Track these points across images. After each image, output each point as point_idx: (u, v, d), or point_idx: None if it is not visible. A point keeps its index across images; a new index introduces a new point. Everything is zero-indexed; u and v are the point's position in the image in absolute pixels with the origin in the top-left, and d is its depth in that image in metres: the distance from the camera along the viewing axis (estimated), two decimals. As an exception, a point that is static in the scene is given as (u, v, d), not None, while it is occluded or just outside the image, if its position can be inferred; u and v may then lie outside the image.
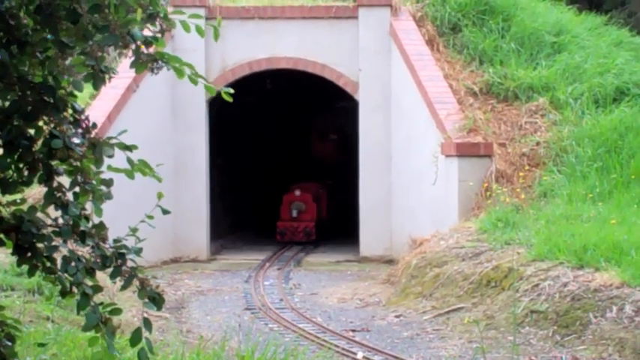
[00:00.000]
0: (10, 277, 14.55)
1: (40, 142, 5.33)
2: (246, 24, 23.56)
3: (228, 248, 25.52)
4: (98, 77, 5.28)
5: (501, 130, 20.63)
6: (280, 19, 23.70)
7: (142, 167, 5.48)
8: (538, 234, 16.44)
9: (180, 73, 5.34)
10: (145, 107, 22.26)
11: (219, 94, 5.53)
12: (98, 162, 5.38)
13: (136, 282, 5.39)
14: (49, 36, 5.29)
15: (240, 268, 22.25)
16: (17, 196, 5.50)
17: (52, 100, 5.29)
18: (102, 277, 5.52)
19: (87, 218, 5.38)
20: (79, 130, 5.37)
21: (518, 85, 21.50)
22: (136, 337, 5.39)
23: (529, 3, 24.32)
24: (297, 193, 26.74)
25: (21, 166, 5.35)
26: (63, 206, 5.31)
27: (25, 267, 5.42)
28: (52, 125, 5.30)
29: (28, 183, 5.40)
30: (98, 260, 5.36)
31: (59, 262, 5.36)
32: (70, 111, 5.39)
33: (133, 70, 5.33)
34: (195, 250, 23.39)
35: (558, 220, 17.10)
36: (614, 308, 13.84)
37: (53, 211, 5.40)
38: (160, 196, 5.65)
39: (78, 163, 5.32)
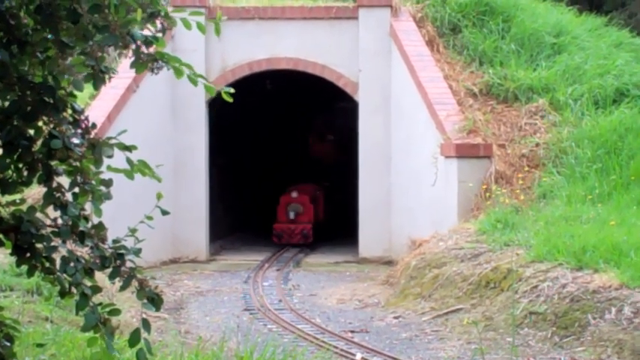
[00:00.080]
0: (9, 277, 14.55)
1: (39, 143, 5.33)
2: (246, 24, 23.56)
3: (227, 249, 25.51)
4: (98, 77, 5.27)
5: (501, 131, 20.63)
6: (280, 19, 23.70)
7: (142, 167, 5.48)
8: (537, 235, 16.44)
9: (179, 73, 5.33)
10: (145, 107, 22.26)
11: (219, 94, 5.52)
12: (98, 162, 5.37)
13: (134, 282, 5.39)
14: (49, 36, 5.29)
15: (239, 268, 22.24)
16: (16, 197, 5.50)
17: (51, 101, 5.29)
18: (101, 277, 5.52)
19: (86, 218, 5.38)
20: (79, 131, 5.37)
21: (518, 86, 21.50)
22: (134, 338, 5.39)
23: (529, 4, 24.33)
24: (294, 194, 26.58)
25: (20, 166, 5.35)
26: (62, 206, 5.31)
27: (24, 267, 5.41)
28: (52, 125, 5.30)
29: (27, 183, 5.40)
30: (97, 261, 5.36)
31: (58, 262, 5.36)
32: (70, 111, 5.39)
33: (133, 70, 5.33)
34: (195, 250, 23.39)
35: (557, 221, 17.10)
36: (613, 310, 13.84)
37: (52, 212, 5.39)
38: (159, 196, 5.65)
39: (77, 164, 5.31)
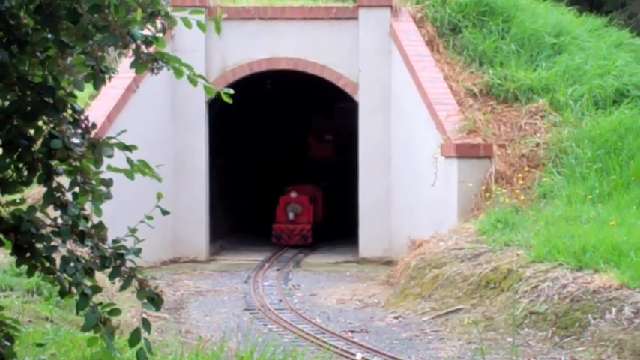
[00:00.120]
0: (9, 277, 14.55)
1: (39, 142, 5.33)
2: (246, 24, 23.56)
3: (227, 249, 25.50)
4: (98, 77, 5.28)
5: (501, 131, 20.64)
6: (280, 19, 23.70)
7: (142, 167, 5.48)
8: (537, 235, 16.44)
9: (179, 73, 5.34)
10: (145, 107, 22.26)
11: (219, 94, 5.52)
12: (98, 162, 5.37)
13: (135, 282, 5.39)
14: (49, 36, 5.29)
15: (239, 268, 22.24)
16: (16, 196, 5.50)
17: (51, 101, 5.29)
18: (101, 277, 5.52)
19: (86, 218, 5.38)
20: (79, 131, 5.37)
21: (518, 86, 21.51)
22: (134, 338, 5.39)
23: (529, 4, 24.33)
24: (293, 195, 26.45)
25: (20, 166, 5.35)
26: (62, 206, 5.31)
27: (24, 267, 5.41)
28: (52, 125, 5.30)
29: (27, 183, 5.40)
30: (97, 260, 5.36)
31: (58, 262, 5.36)
32: (70, 111, 5.39)
33: (133, 70, 5.33)
34: (195, 250, 23.39)
35: (557, 221, 17.10)
36: (613, 310, 13.84)
37: (52, 212, 5.40)
38: (159, 196, 5.65)
39: (77, 164, 5.32)
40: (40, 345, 8.91)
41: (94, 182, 5.36)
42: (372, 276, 20.77)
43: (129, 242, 5.47)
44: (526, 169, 19.92)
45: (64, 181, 5.39)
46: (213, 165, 24.35)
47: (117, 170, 5.42)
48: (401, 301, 17.32)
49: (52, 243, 5.35)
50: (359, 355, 13.83)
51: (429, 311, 16.34)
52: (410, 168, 22.02)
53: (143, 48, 5.27)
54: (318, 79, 23.97)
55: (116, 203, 6.73)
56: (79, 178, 5.33)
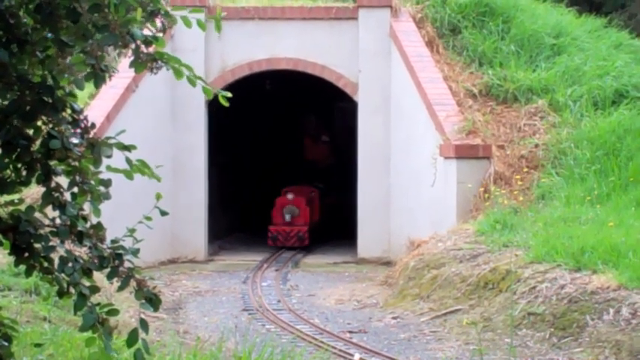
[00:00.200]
0: (7, 277, 14.53)
1: (38, 142, 5.32)
2: (245, 24, 23.55)
3: (226, 249, 25.48)
4: (99, 75, 5.27)
5: (500, 132, 20.63)
6: (280, 19, 23.69)
7: (141, 167, 5.48)
8: (536, 236, 16.44)
9: (178, 74, 5.33)
10: (144, 107, 22.25)
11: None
12: (97, 162, 5.37)
13: (133, 282, 5.39)
14: (48, 35, 5.29)
15: (237, 269, 22.23)
16: (15, 196, 5.50)
17: (50, 100, 5.29)
18: (99, 277, 5.52)
19: (85, 218, 5.38)
20: (78, 130, 5.37)
21: (518, 87, 21.51)
22: (132, 338, 5.39)
23: (529, 5, 24.33)
24: (290, 196, 26.31)
25: (19, 166, 5.35)
26: (61, 206, 5.31)
27: (22, 267, 5.41)
28: (51, 125, 5.30)
29: (26, 183, 5.40)
30: (95, 261, 5.36)
31: (56, 262, 5.36)
32: (69, 111, 5.39)
33: (133, 70, 5.33)
34: (193, 250, 23.37)
35: (556, 222, 17.10)
36: (611, 311, 13.84)
37: (51, 212, 5.39)
38: (158, 197, 5.65)
39: (76, 163, 5.31)
40: (37, 345, 8.92)
41: (92, 182, 5.36)
42: (371, 276, 20.76)
43: (127, 242, 5.47)
44: (525, 169, 19.91)
45: (63, 181, 5.39)
46: (213, 165, 24.33)
47: (116, 170, 5.42)
48: (399, 301, 17.32)
49: (51, 243, 5.34)
50: (357, 356, 13.83)
51: (427, 312, 16.33)
52: (409, 168, 22.02)
53: (143, 48, 5.26)
54: (318, 80, 23.96)
55: (115, 203, 6.72)
56: (77, 178, 5.32)
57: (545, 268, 15.26)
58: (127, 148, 5.40)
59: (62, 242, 5.36)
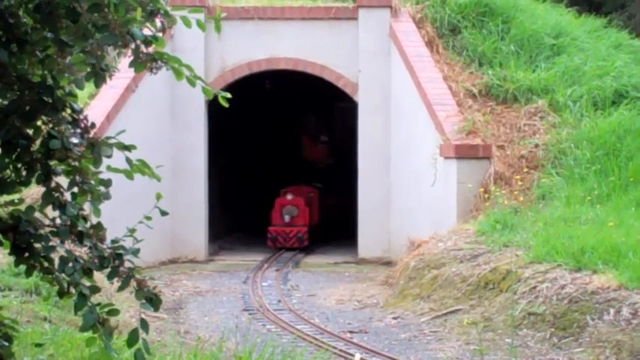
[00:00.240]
0: (7, 277, 14.53)
1: (38, 142, 5.32)
2: (245, 24, 23.55)
3: (226, 249, 25.48)
4: (99, 75, 5.27)
5: (500, 132, 20.63)
6: (280, 19, 23.69)
7: (141, 167, 5.47)
8: (536, 236, 16.43)
9: (178, 75, 5.33)
10: (144, 107, 22.25)
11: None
12: (97, 162, 5.37)
13: (133, 282, 5.39)
14: (48, 35, 5.28)
15: (238, 269, 22.23)
16: (15, 196, 5.49)
17: (50, 100, 5.28)
18: (99, 277, 5.51)
19: (85, 218, 5.37)
20: (78, 130, 5.37)
21: (518, 87, 21.50)
22: (133, 338, 5.39)
23: (529, 5, 24.33)
24: (289, 197, 26.23)
25: (19, 166, 5.34)
26: (61, 206, 5.30)
27: (22, 267, 5.41)
28: (51, 125, 5.30)
29: (26, 183, 5.40)
30: (96, 261, 5.36)
31: (57, 262, 5.36)
32: (69, 111, 5.38)
33: (132, 69, 5.32)
34: (194, 250, 23.37)
35: (556, 222, 17.10)
36: (612, 311, 13.84)
37: (51, 212, 5.38)
38: (158, 197, 5.65)
39: (76, 163, 5.31)
40: (38, 345, 8.92)
41: (92, 182, 5.36)
42: (371, 277, 20.76)
43: (127, 242, 5.46)
44: (525, 170, 19.91)
45: (63, 181, 5.39)
46: (213, 165, 24.33)
47: (116, 170, 5.42)
48: (400, 301, 17.32)
49: (51, 243, 5.34)
50: (357, 356, 13.82)
51: (427, 312, 16.33)
52: (409, 168, 22.02)
53: (142, 47, 5.26)
54: (318, 80, 23.96)
55: (115, 203, 6.72)
56: (77, 178, 5.32)
57: (546, 268, 15.26)
58: (127, 148, 5.40)
59: (62, 242, 5.36)
